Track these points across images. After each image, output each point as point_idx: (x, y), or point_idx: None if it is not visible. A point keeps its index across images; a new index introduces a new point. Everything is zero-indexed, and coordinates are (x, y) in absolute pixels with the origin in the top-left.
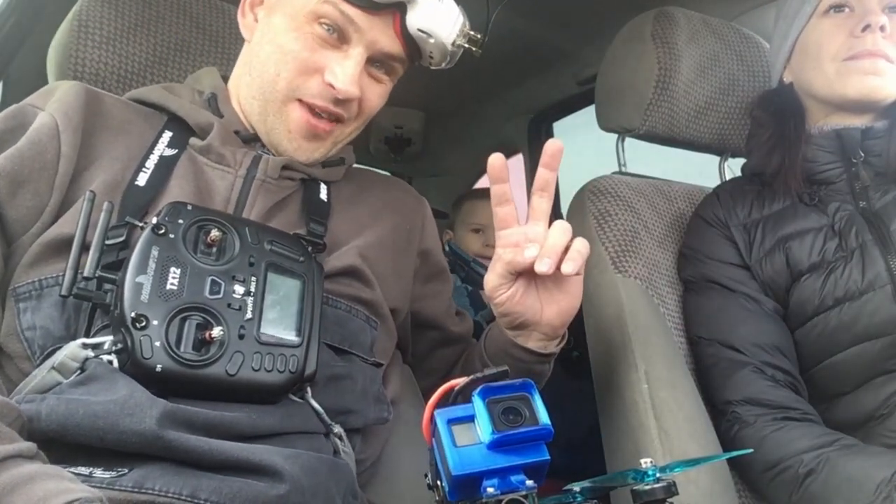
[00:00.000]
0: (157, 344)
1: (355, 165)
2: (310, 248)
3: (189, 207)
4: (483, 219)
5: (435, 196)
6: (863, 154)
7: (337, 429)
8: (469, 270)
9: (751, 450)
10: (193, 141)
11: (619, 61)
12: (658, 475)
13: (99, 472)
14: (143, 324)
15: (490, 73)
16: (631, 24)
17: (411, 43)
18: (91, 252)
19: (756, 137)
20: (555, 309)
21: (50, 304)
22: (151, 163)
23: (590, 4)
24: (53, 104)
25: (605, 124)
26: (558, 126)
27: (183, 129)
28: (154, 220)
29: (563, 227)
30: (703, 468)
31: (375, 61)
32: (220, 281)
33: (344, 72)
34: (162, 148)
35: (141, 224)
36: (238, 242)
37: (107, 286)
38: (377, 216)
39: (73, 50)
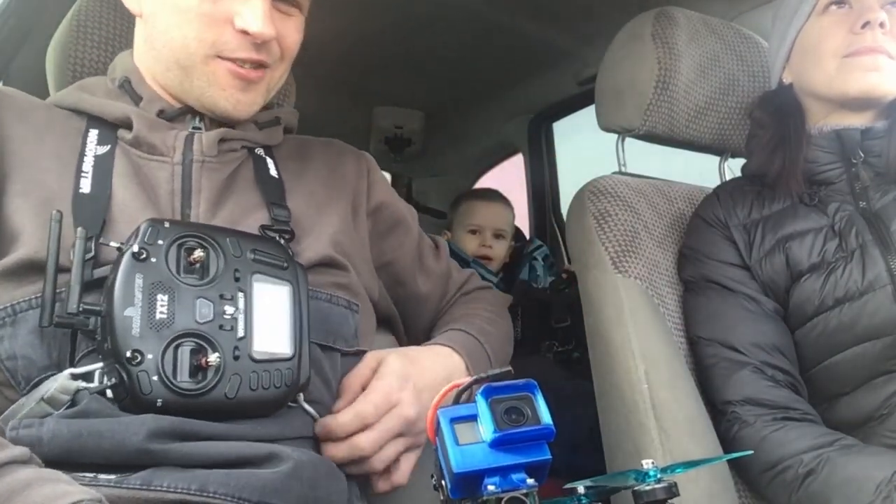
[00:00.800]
0: (155, 378)
1: (292, 136)
2: (281, 241)
3: (167, 225)
4: (479, 219)
5: (435, 196)
6: (862, 154)
7: None
8: None
9: (751, 451)
10: (122, 134)
11: (619, 61)
12: (659, 476)
13: (104, 474)
14: (139, 359)
15: (490, 73)
16: (631, 24)
17: None
18: (72, 285)
19: (756, 139)
20: None
21: (27, 330)
22: (88, 165)
23: (590, 4)
24: None
25: (605, 124)
26: (558, 126)
27: (108, 125)
28: (135, 246)
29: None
30: (703, 468)
31: None
32: (208, 302)
33: (253, 13)
34: (93, 147)
35: (117, 246)
36: (221, 257)
37: (89, 314)
38: (328, 189)
39: (72, 50)
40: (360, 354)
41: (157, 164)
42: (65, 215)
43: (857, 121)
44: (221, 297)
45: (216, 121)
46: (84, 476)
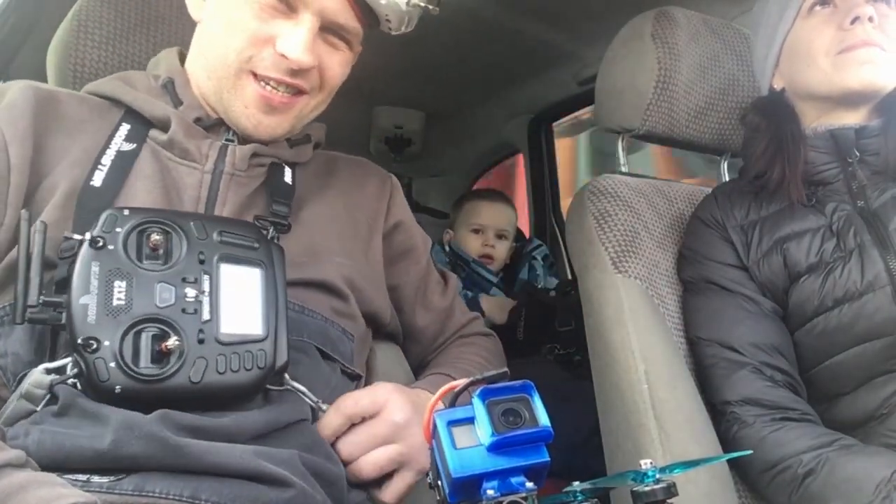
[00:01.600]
0: (112, 365)
1: (321, 151)
2: (272, 229)
3: (126, 213)
4: (483, 219)
5: (435, 196)
6: (858, 153)
7: (325, 406)
8: (469, 271)
9: (750, 451)
10: (154, 134)
11: (619, 61)
12: (658, 476)
13: (97, 478)
14: (95, 346)
15: (490, 73)
16: (631, 24)
17: (364, 8)
18: (31, 278)
19: (753, 144)
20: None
21: (21, 328)
22: (108, 159)
23: (590, 4)
24: (0, 113)
25: (605, 124)
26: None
27: (141, 122)
28: (89, 235)
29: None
30: (703, 468)
31: (329, 30)
32: (170, 286)
33: (296, 40)
34: (119, 142)
35: (80, 238)
36: (185, 240)
37: (52, 307)
38: (348, 210)
39: (73, 50)
40: (357, 379)
41: (187, 169)
42: (71, 208)
43: (852, 119)
44: (184, 280)
45: (248, 139)
46: (77, 480)
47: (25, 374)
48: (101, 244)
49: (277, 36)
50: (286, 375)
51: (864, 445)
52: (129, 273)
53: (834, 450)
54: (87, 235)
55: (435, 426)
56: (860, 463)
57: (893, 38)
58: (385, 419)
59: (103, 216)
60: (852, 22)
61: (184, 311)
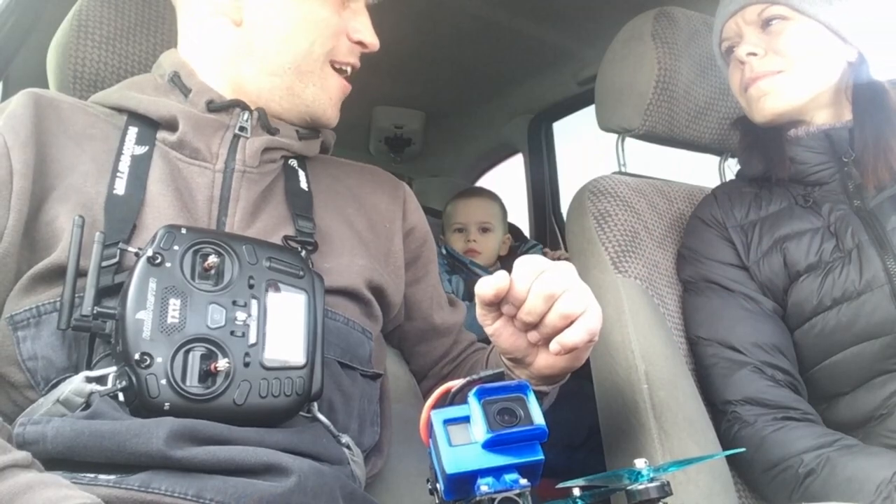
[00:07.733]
0: (163, 382)
1: (331, 157)
2: (303, 252)
3: (183, 231)
4: (462, 217)
5: (435, 196)
6: (853, 153)
7: (345, 438)
8: (468, 272)
9: (744, 449)
10: (163, 135)
11: (619, 61)
12: (652, 475)
13: (104, 475)
14: (148, 362)
15: (490, 73)
16: (631, 24)
17: None
18: (87, 288)
19: (742, 147)
20: (547, 361)
21: (49, 332)
22: (125, 165)
23: (590, 4)
24: (2, 121)
25: (604, 124)
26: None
27: (148, 124)
28: (150, 251)
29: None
30: (703, 468)
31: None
32: (221, 308)
33: (366, 26)
34: (131, 147)
35: (135, 251)
36: (237, 264)
37: (104, 318)
38: (361, 213)
39: (73, 50)
40: (377, 378)
41: (198, 169)
42: (98, 218)
43: (828, 119)
44: (234, 303)
45: (262, 121)
46: (84, 476)
47: (59, 380)
48: (159, 261)
49: (349, 27)
50: (315, 405)
51: (866, 446)
52: (184, 292)
53: (835, 450)
54: (150, 251)
55: (431, 425)
56: (861, 463)
57: (789, 53)
58: (556, 269)
59: (160, 232)
60: (741, 62)
61: (232, 333)
